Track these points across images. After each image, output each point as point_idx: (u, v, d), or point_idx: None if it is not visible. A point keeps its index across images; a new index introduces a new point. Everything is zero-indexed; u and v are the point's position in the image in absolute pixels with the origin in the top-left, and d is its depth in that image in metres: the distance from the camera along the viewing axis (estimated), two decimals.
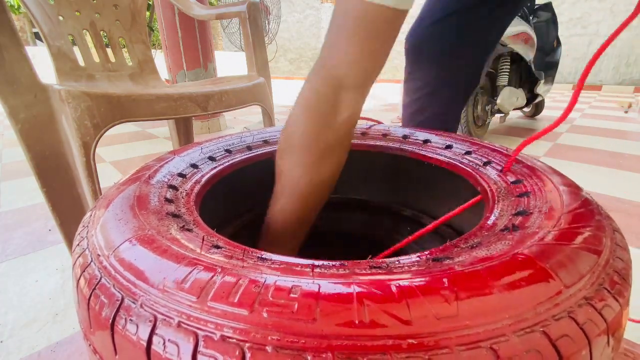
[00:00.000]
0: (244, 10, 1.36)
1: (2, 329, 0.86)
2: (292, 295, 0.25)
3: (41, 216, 1.43)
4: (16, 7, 7.14)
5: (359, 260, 0.32)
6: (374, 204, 0.92)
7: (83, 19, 1.40)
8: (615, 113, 3.79)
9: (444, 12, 0.94)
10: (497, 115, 2.89)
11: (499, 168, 0.55)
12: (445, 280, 0.27)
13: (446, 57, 0.97)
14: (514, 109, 2.88)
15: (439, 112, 1.02)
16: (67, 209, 0.94)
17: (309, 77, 0.56)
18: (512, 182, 0.49)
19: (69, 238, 0.97)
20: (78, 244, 0.37)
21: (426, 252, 0.34)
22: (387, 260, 0.32)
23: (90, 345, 0.30)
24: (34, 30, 9.62)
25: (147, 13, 2.41)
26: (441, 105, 1.02)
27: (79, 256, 0.35)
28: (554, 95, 5.35)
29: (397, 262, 0.31)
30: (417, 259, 0.32)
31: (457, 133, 0.79)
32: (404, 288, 0.26)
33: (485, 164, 0.58)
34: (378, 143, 0.77)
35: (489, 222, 0.40)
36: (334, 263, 0.31)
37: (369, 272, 0.29)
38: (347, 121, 0.56)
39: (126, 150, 2.47)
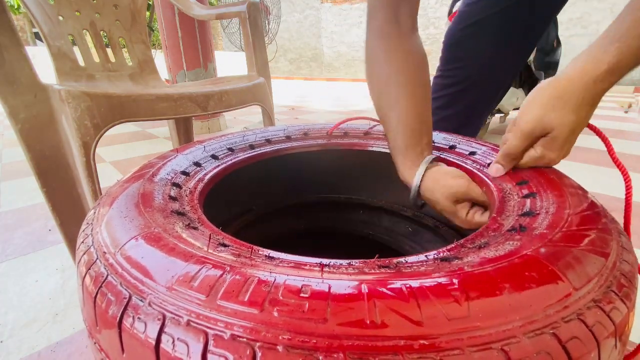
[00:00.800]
0: (244, 10, 1.36)
1: (2, 329, 0.85)
2: (302, 294, 0.25)
3: (41, 216, 1.43)
4: (16, 7, 7.13)
5: (366, 260, 0.32)
6: (375, 204, 0.92)
7: (83, 19, 1.40)
8: (615, 113, 3.79)
9: (480, 15, 0.95)
10: (497, 115, 2.89)
11: None
12: (455, 280, 0.27)
13: (479, 59, 0.99)
14: (514, 109, 2.88)
15: (464, 110, 1.04)
16: (67, 209, 0.94)
17: (369, 11, 0.67)
18: (517, 183, 0.49)
19: (69, 238, 0.97)
20: (82, 241, 0.37)
21: (433, 252, 0.34)
22: (394, 260, 0.32)
23: (95, 343, 0.30)
24: (34, 30, 9.62)
25: (147, 13, 2.40)
26: (468, 104, 1.04)
27: (84, 253, 0.34)
28: None
29: (405, 262, 0.31)
30: (425, 258, 0.32)
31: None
32: (415, 288, 0.26)
33: (490, 164, 0.58)
34: (380, 143, 0.77)
35: (495, 223, 0.40)
36: (342, 262, 0.31)
37: (378, 271, 0.29)
38: (410, 31, 0.66)
39: (126, 150, 2.46)
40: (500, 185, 0.51)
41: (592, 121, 0.53)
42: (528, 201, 0.43)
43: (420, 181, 0.59)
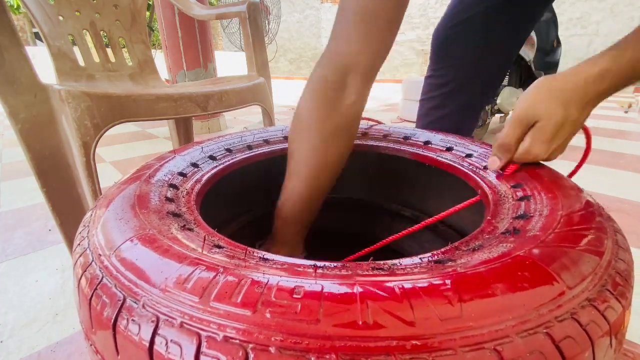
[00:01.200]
0: (244, 10, 1.36)
1: (2, 329, 0.86)
2: (295, 295, 0.25)
3: (41, 216, 1.43)
4: (16, 7, 7.13)
5: (360, 262, 0.32)
6: (373, 204, 0.92)
7: (83, 19, 1.40)
8: (615, 113, 3.78)
9: (467, 14, 0.95)
10: (497, 115, 2.89)
11: (500, 171, 0.55)
12: (448, 281, 0.27)
13: (469, 58, 0.99)
14: (513, 109, 2.87)
15: (458, 109, 1.04)
16: (67, 209, 0.94)
17: (317, 65, 0.60)
18: (512, 186, 0.49)
19: (69, 238, 0.97)
20: (79, 244, 0.37)
21: (427, 254, 0.34)
22: (388, 262, 0.32)
23: (91, 345, 0.30)
24: (34, 30, 9.62)
25: (147, 13, 2.41)
26: (461, 103, 1.04)
27: (80, 256, 0.35)
28: None
29: (398, 264, 0.31)
30: (419, 260, 0.32)
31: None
32: (407, 289, 0.26)
33: (486, 167, 0.58)
34: (378, 144, 0.77)
35: (489, 226, 0.40)
36: (335, 264, 0.31)
37: (371, 273, 0.29)
38: (354, 105, 0.60)
39: (126, 150, 2.46)
40: (495, 188, 0.51)
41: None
42: (522, 204, 0.43)
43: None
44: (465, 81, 1.01)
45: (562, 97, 0.49)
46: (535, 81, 0.52)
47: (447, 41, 1.01)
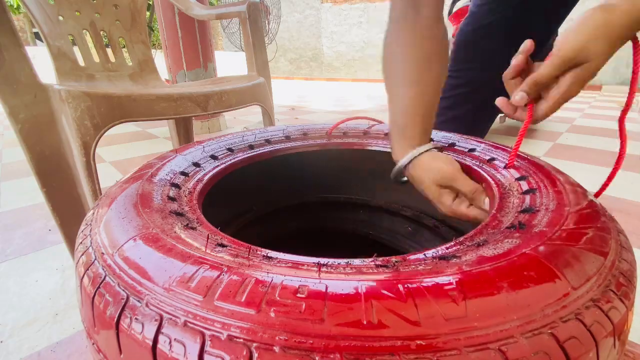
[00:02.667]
0: (244, 10, 1.36)
1: (2, 329, 0.85)
2: (299, 295, 0.25)
3: (41, 216, 1.43)
4: (16, 7, 7.13)
5: (364, 259, 0.32)
6: (375, 203, 0.92)
7: (83, 19, 1.40)
8: (615, 113, 3.78)
9: (489, 19, 0.96)
10: (498, 115, 2.89)
11: (503, 165, 0.55)
12: (453, 280, 0.27)
13: (488, 61, 0.99)
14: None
15: (473, 111, 1.05)
16: (67, 209, 0.94)
17: (391, 6, 0.67)
18: (517, 179, 0.49)
19: (69, 238, 0.97)
20: (81, 242, 0.37)
21: (432, 250, 0.34)
22: (393, 258, 0.32)
23: (93, 344, 0.30)
24: (34, 30, 9.62)
25: (147, 13, 2.40)
26: (476, 105, 1.04)
27: (82, 254, 0.34)
28: None
29: (403, 261, 0.31)
30: (423, 257, 0.32)
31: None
32: (412, 288, 0.26)
33: (490, 160, 0.58)
34: (379, 142, 0.77)
35: (494, 220, 0.40)
36: (340, 262, 0.31)
37: (376, 271, 0.29)
38: (432, 19, 0.65)
39: (126, 150, 2.46)
40: (499, 180, 0.50)
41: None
42: (528, 197, 0.43)
43: (410, 161, 0.61)
44: (482, 84, 1.01)
45: (614, 35, 0.46)
46: (584, 16, 0.48)
47: (468, 44, 1.01)
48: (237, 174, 0.63)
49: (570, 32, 0.48)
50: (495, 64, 1.00)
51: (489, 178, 0.53)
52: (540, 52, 1.04)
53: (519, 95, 0.53)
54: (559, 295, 0.27)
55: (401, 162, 0.62)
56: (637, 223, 1.33)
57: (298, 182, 0.86)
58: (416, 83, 0.63)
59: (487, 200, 0.54)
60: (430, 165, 0.59)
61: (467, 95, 1.04)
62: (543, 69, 0.50)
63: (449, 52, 1.07)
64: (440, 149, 0.65)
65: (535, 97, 0.53)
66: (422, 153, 0.60)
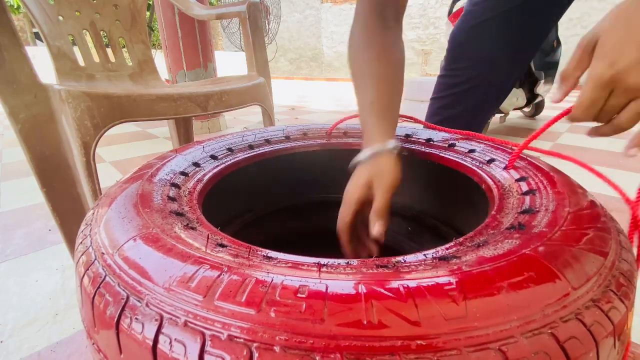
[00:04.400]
0: (244, 10, 1.36)
1: (2, 329, 0.85)
2: (299, 295, 0.25)
3: (41, 216, 1.43)
4: (16, 7, 7.13)
5: (364, 259, 0.32)
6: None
7: (83, 19, 1.40)
8: None
9: (486, 16, 0.95)
10: (497, 115, 2.89)
11: (503, 166, 0.55)
12: (453, 280, 0.27)
13: (484, 60, 0.99)
14: (514, 109, 2.87)
15: (469, 110, 1.04)
16: (67, 209, 0.94)
17: (357, 3, 0.72)
18: (517, 180, 0.49)
19: (69, 238, 0.97)
20: (81, 242, 0.37)
21: (432, 251, 0.34)
22: (392, 259, 0.32)
23: (93, 343, 0.30)
24: (34, 30, 9.61)
25: (147, 13, 2.40)
26: (472, 104, 1.04)
27: (82, 254, 0.34)
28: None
29: (403, 261, 0.31)
30: (423, 257, 0.32)
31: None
32: (412, 288, 0.26)
33: (489, 161, 0.58)
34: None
35: (494, 220, 0.40)
36: (340, 262, 0.31)
37: (376, 271, 0.29)
38: (393, 24, 0.71)
39: (126, 150, 2.46)
40: (499, 182, 0.50)
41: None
42: (527, 198, 0.43)
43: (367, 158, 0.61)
44: (478, 83, 1.01)
45: None
46: (618, 10, 0.43)
47: (464, 42, 1.01)
48: (237, 174, 0.63)
49: (610, 27, 0.44)
50: (490, 62, 1.00)
51: (488, 179, 0.52)
52: (534, 52, 1.04)
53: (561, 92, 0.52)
54: (559, 295, 0.27)
55: (359, 157, 0.62)
56: None
57: (298, 182, 0.86)
58: (383, 78, 0.67)
59: (377, 225, 0.55)
60: (378, 165, 0.59)
61: (463, 95, 1.03)
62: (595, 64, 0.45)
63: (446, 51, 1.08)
64: (399, 152, 0.64)
65: None
66: (377, 152, 0.60)
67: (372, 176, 0.58)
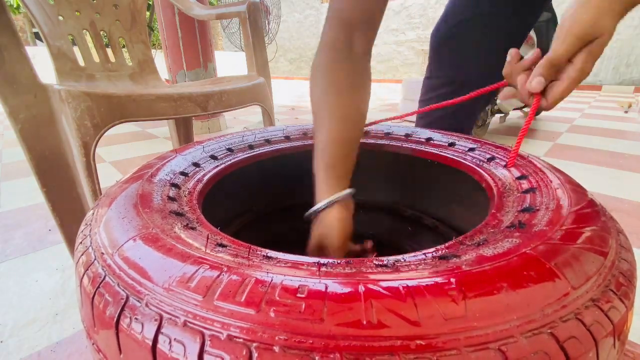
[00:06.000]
0: (244, 10, 1.36)
1: (2, 329, 0.85)
2: (299, 295, 0.25)
3: (41, 216, 1.43)
4: (16, 7, 7.13)
5: (364, 259, 0.32)
6: (375, 203, 0.92)
7: (83, 19, 1.40)
8: (615, 113, 3.78)
9: (467, 15, 0.95)
10: (497, 115, 2.89)
11: (503, 164, 0.55)
12: (453, 280, 0.27)
13: (469, 59, 0.99)
14: (514, 109, 2.87)
15: (457, 110, 1.04)
16: (67, 209, 0.94)
17: (325, 25, 0.65)
18: (517, 178, 0.49)
19: (69, 238, 0.97)
20: (81, 242, 0.37)
21: (432, 250, 0.34)
22: (392, 258, 0.32)
23: (93, 344, 0.30)
24: (34, 30, 9.62)
25: (147, 13, 2.40)
26: (460, 105, 1.04)
27: (82, 254, 0.34)
28: None
29: (402, 260, 0.31)
30: (423, 256, 0.32)
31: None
32: (412, 288, 0.26)
33: (489, 159, 0.58)
34: (380, 142, 0.77)
35: (494, 219, 0.40)
36: (339, 261, 0.31)
37: (375, 270, 0.29)
38: (362, 57, 0.65)
39: (126, 150, 2.46)
40: (499, 180, 0.50)
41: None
42: (528, 196, 0.43)
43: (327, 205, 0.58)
44: (464, 82, 1.01)
45: (614, 7, 0.46)
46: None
47: (446, 42, 1.01)
48: (237, 174, 0.63)
49: (578, 9, 0.48)
50: (475, 60, 0.99)
51: (488, 178, 0.52)
52: (518, 47, 1.04)
53: (535, 81, 0.52)
54: (559, 295, 0.27)
55: (320, 206, 0.59)
56: (637, 223, 1.33)
57: (298, 182, 0.85)
58: (343, 118, 0.62)
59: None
60: (325, 221, 0.58)
61: (448, 96, 1.03)
62: (558, 49, 0.49)
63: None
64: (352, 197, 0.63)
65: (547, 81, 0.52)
66: (337, 200, 0.58)
67: (322, 238, 0.58)
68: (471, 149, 0.63)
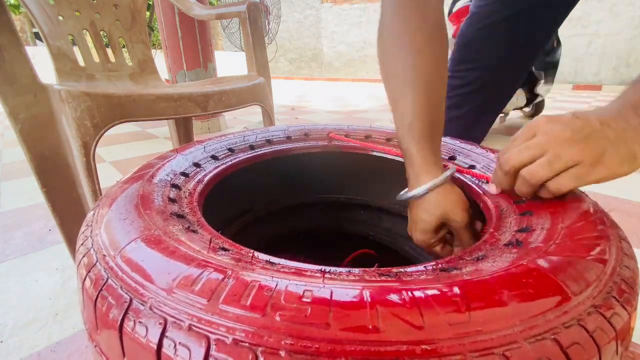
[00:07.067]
0: (244, 10, 1.36)
1: (2, 329, 0.85)
2: (304, 299, 0.25)
3: (41, 216, 1.43)
4: (16, 7, 7.12)
5: (366, 269, 0.32)
6: (375, 204, 0.92)
7: (83, 19, 1.40)
8: None
9: (493, 18, 0.96)
10: (499, 115, 2.89)
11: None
12: (455, 287, 0.27)
13: (491, 61, 1.00)
14: (514, 109, 2.87)
15: (474, 111, 1.05)
16: (67, 209, 0.94)
17: None
18: (514, 202, 0.48)
19: (69, 238, 0.96)
20: (82, 244, 0.36)
21: (431, 263, 0.34)
22: (394, 269, 0.32)
23: (95, 346, 0.30)
24: (34, 30, 9.60)
25: (147, 13, 2.40)
26: (477, 106, 1.05)
27: (84, 256, 0.34)
28: (554, 95, 5.34)
29: (404, 272, 0.31)
30: (424, 268, 0.32)
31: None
32: (416, 295, 0.26)
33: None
34: (380, 145, 0.76)
35: (492, 237, 0.40)
36: (342, 270, 0.31)
37: (378, 279, 0.29)
38: (436, 12, 0.57)
39: (126, 150, 2.46)
40: (497, 202, 0.50)
41: None
42: (525, 219, 0.43)
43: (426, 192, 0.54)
44: (484, 83, 1.02)
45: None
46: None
47: (471, 43, 1.02)
48: (238, 174, 0.63)
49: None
50: (496, 64, 1.00)
51: (486, 199, 0.52)
52: (538, 54, 1.05)
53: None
54: (560, 300, 0.27)
55: (415, 192, 0.55)
56: (637, 223, 1.33)
57: (299, 182, 0.86)
58: (428, 81, 0.56)
59: (465, 235, 0.54)
60: (449, 206, 0.53)
61: (468, 96, 1.04)
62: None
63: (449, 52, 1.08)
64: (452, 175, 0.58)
65: None
66: (438, 185, 0.54)
67: (443, 217, 0.54)
68: (472, 166, 0.62)
